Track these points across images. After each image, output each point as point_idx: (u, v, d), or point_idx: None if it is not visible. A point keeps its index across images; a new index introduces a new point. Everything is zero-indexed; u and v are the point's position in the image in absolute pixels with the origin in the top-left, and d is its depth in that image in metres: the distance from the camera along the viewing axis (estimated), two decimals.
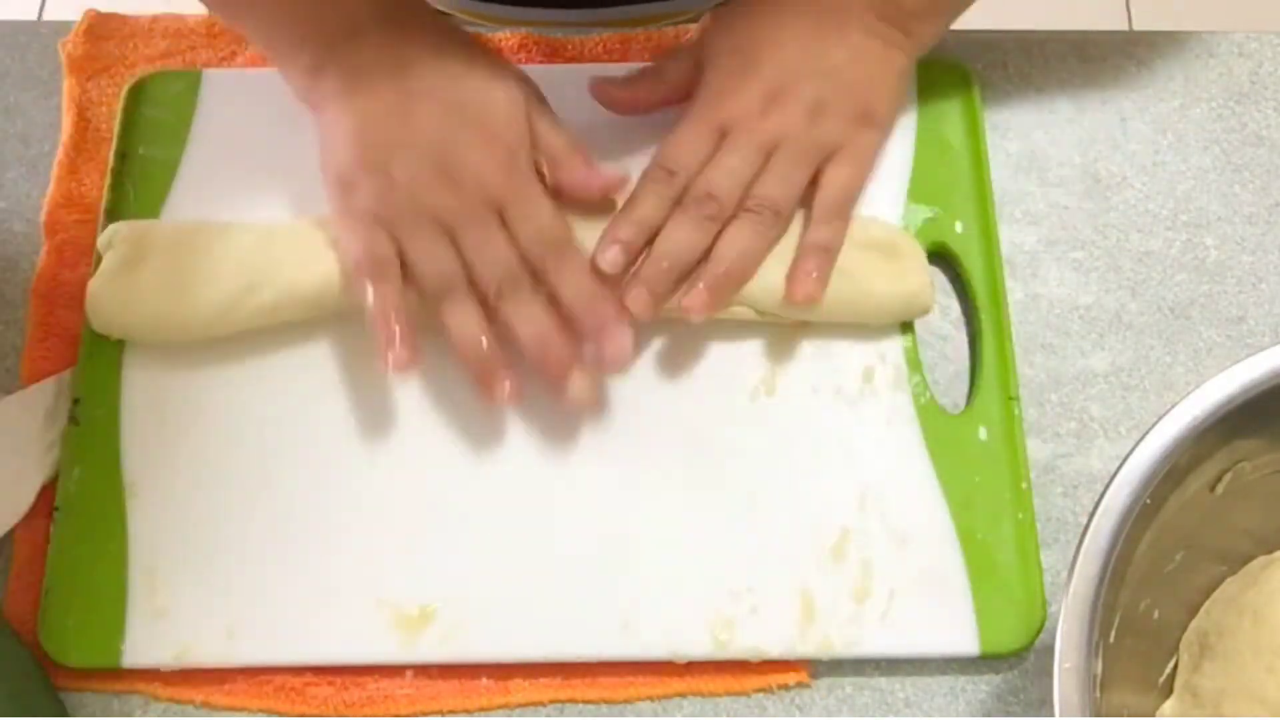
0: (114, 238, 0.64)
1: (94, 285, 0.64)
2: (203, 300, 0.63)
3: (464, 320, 0.62)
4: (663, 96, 0.68)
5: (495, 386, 0.62)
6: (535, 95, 0.65)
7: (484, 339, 0.62)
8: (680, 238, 0.63)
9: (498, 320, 0.62)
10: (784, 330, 0.66)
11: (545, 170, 0.65)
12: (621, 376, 0.65)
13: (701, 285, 0.62)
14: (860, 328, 0.66)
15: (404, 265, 0.62)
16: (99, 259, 0.65)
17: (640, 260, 0.63)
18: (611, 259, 0.62)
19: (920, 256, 0.66)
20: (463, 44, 0.65)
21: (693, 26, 0.73)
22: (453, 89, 0.63)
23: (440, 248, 0.62)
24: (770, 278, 0.64)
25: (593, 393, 0.63)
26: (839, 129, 0.65)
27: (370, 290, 0.61)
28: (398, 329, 0.60)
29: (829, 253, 0.64)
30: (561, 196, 0.64)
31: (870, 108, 0.66)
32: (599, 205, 0.65)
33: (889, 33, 0.66)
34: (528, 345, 0.62)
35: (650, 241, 0.63)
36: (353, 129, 0.63)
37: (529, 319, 0.62)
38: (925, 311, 0.66)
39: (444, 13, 0.79)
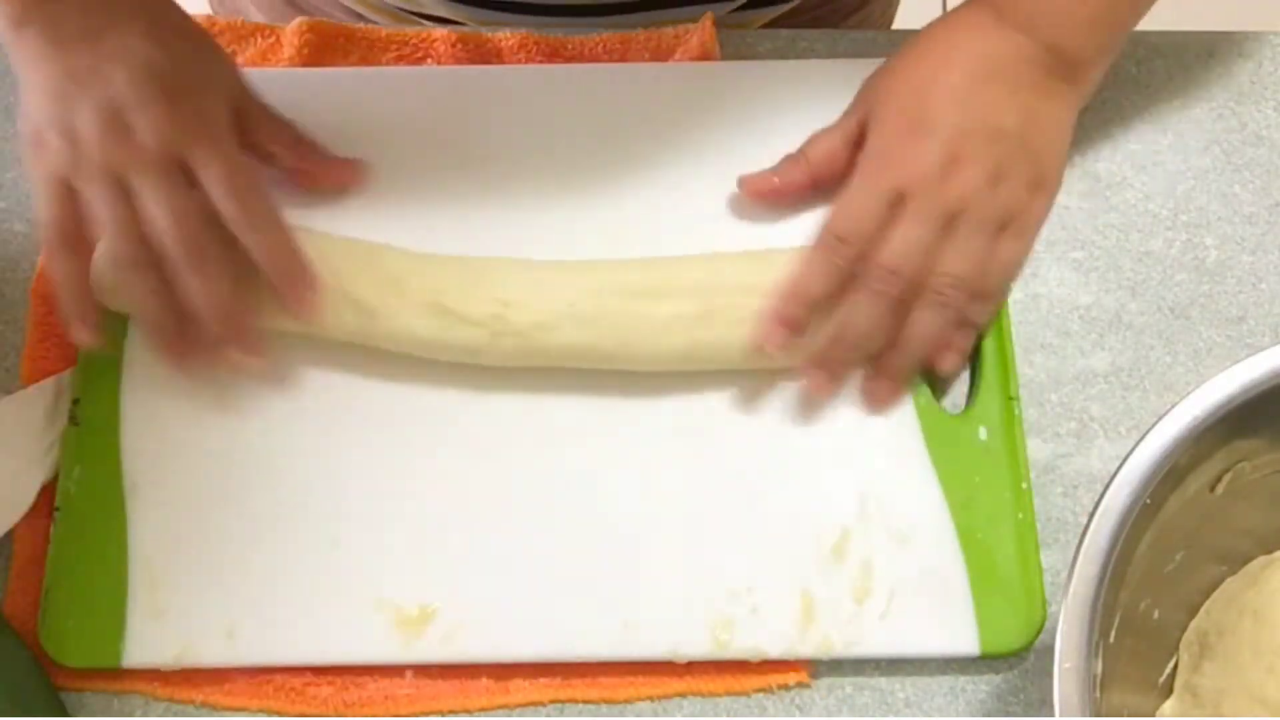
0: None
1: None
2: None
3: (142, 294, 0.61)
4: (813, 176, 0.65)
5: (183, 359, 0.62)
6: (249, 89, 0.64)
7: (164, 309, 0.61)
8: (864, 319, 0.61)
9: (174, 284, 0.61)
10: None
11: (279, 155, 0.64)
12: (621, 378, 0.65)
13: (886, 376, 0.62)
14: None
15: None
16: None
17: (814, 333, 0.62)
18: (780, 342, 0.61)
19: None
20: (182, 19, 0.63)
21: (693, 27, 0.73)
22: (152, 53, 0.60)
23: (119, 208, 0.59)
24: None
25: (264, 371, 0.62)
26: (1016, 197, 0.63)
27: (52, 261, 0.61)
28: (78, 307, 0.61)
29: (981, 328, 0.63)
30: (298, 183, 0.64)
31: (1043, 173, 0.64)
32: None
33: (1056, 87, 0.64)
34: (203, 316, 0.61)
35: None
36: (42, 84, 0.60)
37: (204, 288, 0.60)
38: None
39: (411, 14, 0.78)
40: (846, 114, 0.66)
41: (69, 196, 0.60)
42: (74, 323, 0.61)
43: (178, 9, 0.64)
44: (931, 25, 0.65)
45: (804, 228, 0.65)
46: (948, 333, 0.62)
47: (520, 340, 0.62)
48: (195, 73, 0.62)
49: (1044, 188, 0.64)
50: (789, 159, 0.66)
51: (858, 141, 0.64)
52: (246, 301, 0.61)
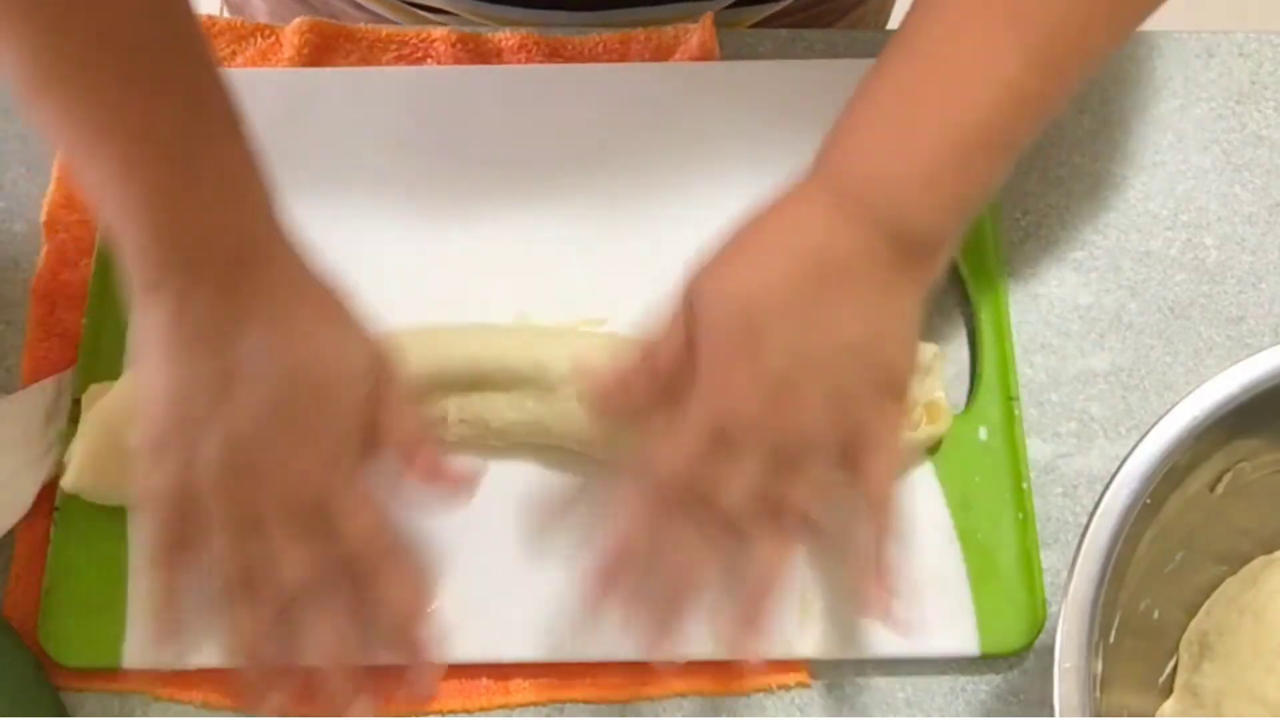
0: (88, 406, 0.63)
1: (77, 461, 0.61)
2: None
3: (247, 625, 0.56)
4: (661, 387, 0.56)
5: (261, 700, 0.56)
6: (385, 368, 0.57)
7: (265, 649, 0.56)
8: (683, 561, 0.55)
9: (288, 626, 0.56)
10: None
11: (395, 458, 0.57)
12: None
13: (735, 619, 0.56)
14: None
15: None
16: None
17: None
18: (592, 600, 0.56)
19: None
20: (316, 301, 0.56)
21: (693, 26, 0.73)
22: (287, 362, 0.54)
23: (240, 544, 0.55)
24: None
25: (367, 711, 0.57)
26: (863, 414, 0.55)
27: (159, 572, 0.55)
28: (171, 623, 0.56)
29: (898, 547, 0.56)
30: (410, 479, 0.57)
31: (893, 379, 0.55)
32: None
33: (900, 279, 0.54)
34: (315, 662, 0.56)
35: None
36: (167, 392, 0.53)
37: (324, 640, 0.56)
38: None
39: (413, 5, 0.77)
40: (677, 315, 0.56)
41: (184, 514, 0.54)
42: (162, 639, 0.56)
43: (317, 284, 0.56)
44: (762, 208, 0.55)
45: None
46: (790, 561, 0.56)
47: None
48: (330, 380, 0.55)
49: (895, 392, 0.56)
50: (631, 371, 0.57)
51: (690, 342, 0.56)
52: (358, 658, 0.57)
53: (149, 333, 0.53)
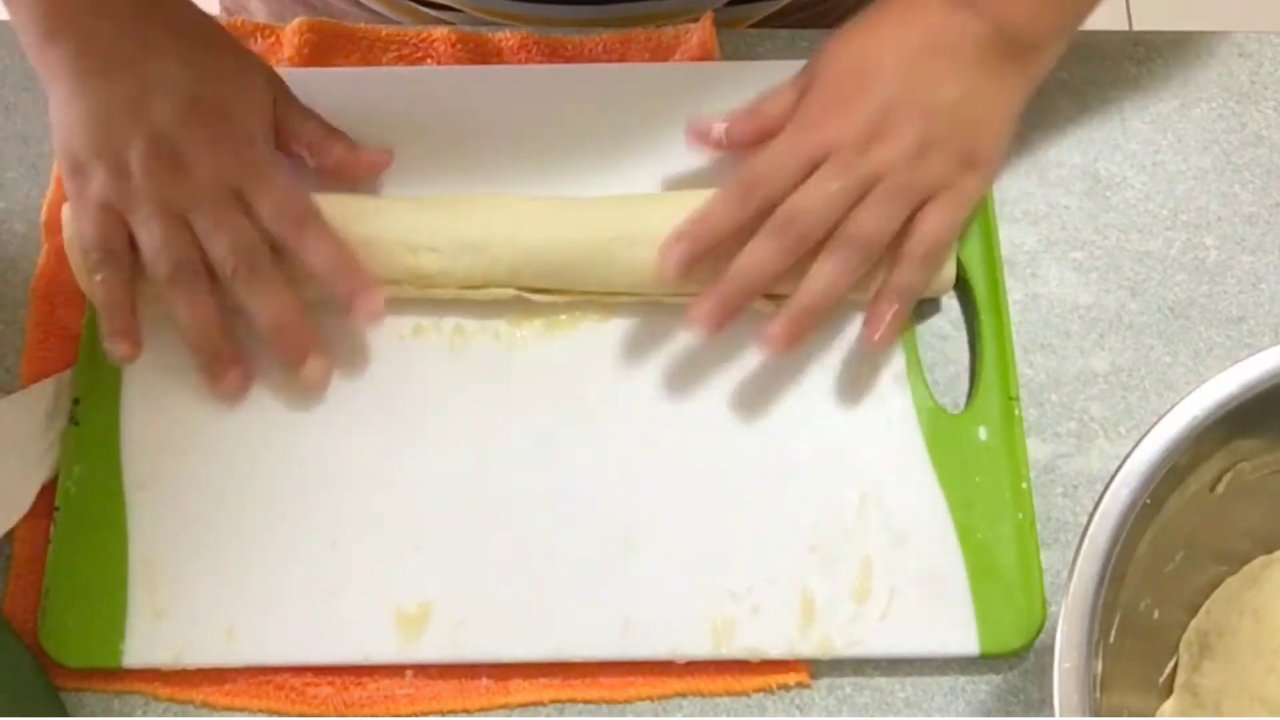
0: None
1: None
2: None
3: (191, 305, 0.62)
4: (760, 133, 0.64)
5: (222, 377, 0.63)
6: (282, 89, 0.65)
7: (211, 326, 0.62)
8: (761, 258, 0.61)
9: (235, 304, 0.62)
10: None
11: (307, 157, 0.65)
12: (622, 377, 0.65)
13: (783, 318, 0.61)
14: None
15: (138, 252, 0.62)
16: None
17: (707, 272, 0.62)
18: (677, 258, 0.61)
19: None
20: (211, 32, 0.64)
21: (693, 27, 0.73)
22: (192, 82, 0.62)
23: (173, 233, 0.61)
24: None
25: (326, 375, 0.64)
26: (942, 171, 0.62)
27: (99, 280, 0.62)
28: (120, 323, 0.62)
29: (911, 297, 0.63)
30: (329, 177, 0.65)
31: (976, 151, 0.63)
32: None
33: (1003, 68, 0.63)
34: (264, 329, 0.62)
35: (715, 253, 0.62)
36: (85, 113, 0.61)
37: (266, 303, 0.62)
38: (948, 286, 0.66)
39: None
40: (798, 75, 0.65)
41: (117, 220, 0.61)
42: (118, 338, 0.62)
43: (207, 20, 0.65)
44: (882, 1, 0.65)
45: None
46: (847, 283, 0.62)
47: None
48: (234, 94, 0.63)
49: (976, 166, 0.63)
50: (741, 113, 0.65)
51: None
52: (304, 313, 0.63)
53: (54, 71, 0.61)
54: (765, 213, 0.61)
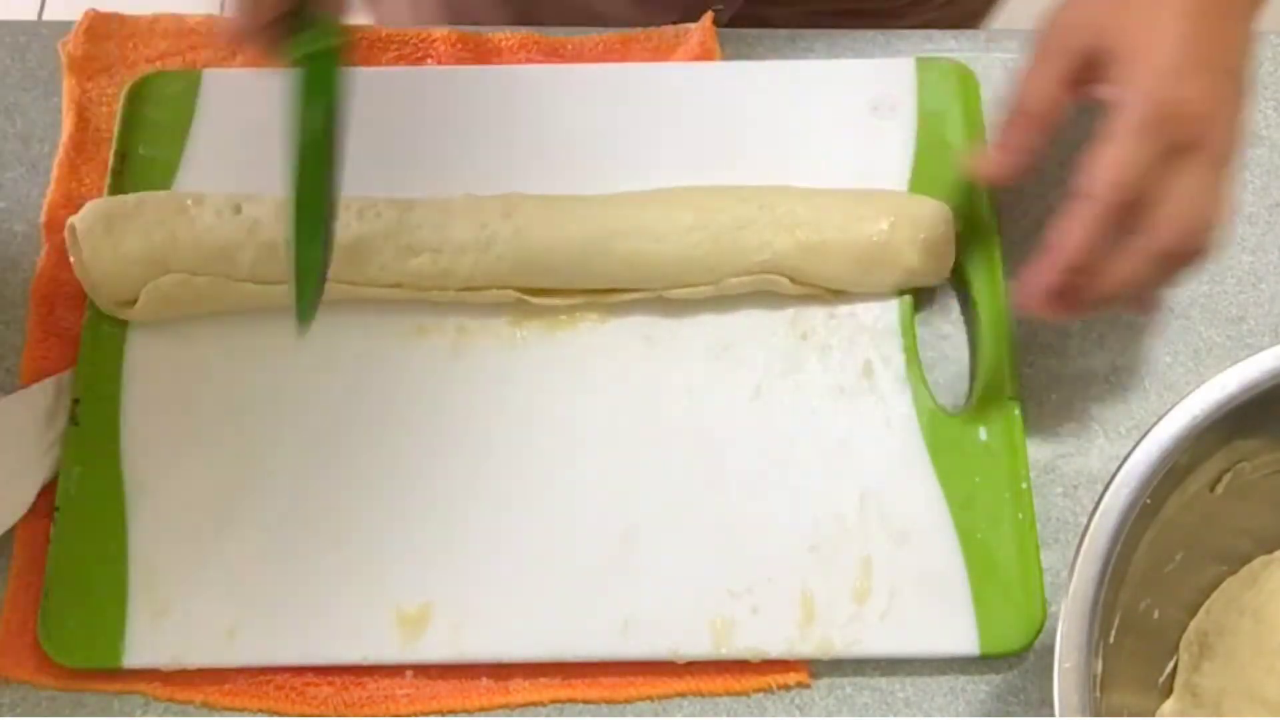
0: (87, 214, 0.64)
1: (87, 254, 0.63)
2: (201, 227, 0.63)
3: None
4: (1042, 128, 0.60)
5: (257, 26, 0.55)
6: None
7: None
8: (1127, 274, 0.57)
9: None
10: (785, 330, 0.66)
11: None
12: (621, 377, 0.65)
13: (1075, 296, 0.58)
14: (862, 326, 0.66)
15: None
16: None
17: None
18: (1048, 311, 0.58)
19: (945, 217, 0.66)
20: None
21: (693, 27, 0.73)
22: None
23: None
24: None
25: None
26: (1241, 140, 0.57)
27: None
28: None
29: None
30: None
31: (1248, 114, 0.58)
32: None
33: (1250, 11, 0.58)
34: None
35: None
36: None
37: None
38: (944, 275, 0.66)
39: None
40: (1047, 50, 0.59)
41: None
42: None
43: None
44: None
45: None
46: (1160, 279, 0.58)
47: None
48: None
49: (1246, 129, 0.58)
50: (1004, 123, 0.60)
51: (1076, 79, 0.58)
52: None
53: None
54: (1125, 216, 0.56)
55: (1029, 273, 0.58)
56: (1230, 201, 0.57)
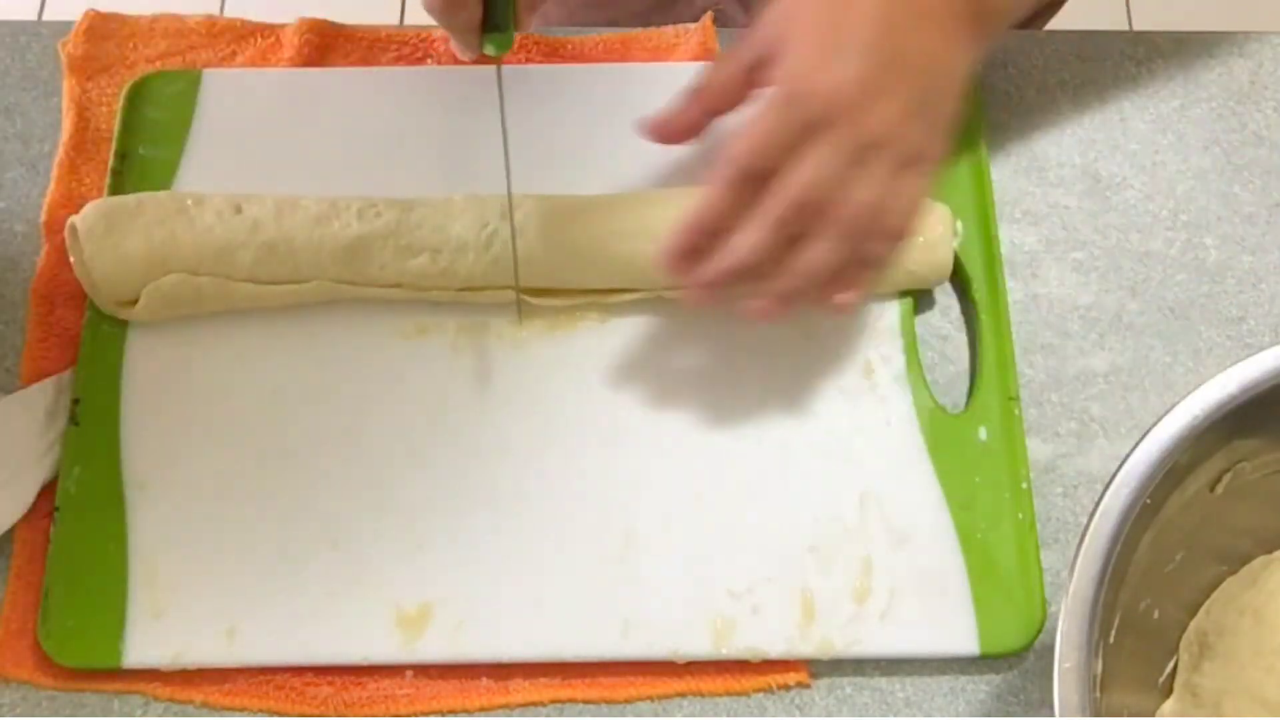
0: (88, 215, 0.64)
1: (89, 252, 0.63)
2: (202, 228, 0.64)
3: None
4: (711, 110, 0.63)
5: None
6: None
7: None
8: (756, 244, 0.58)
9: None
10: (785, 329, 0.66)
11: None
12: (621, 377, 0.65)
13: (772, 297, 0.60)
14: (862, 326, 0.66)
15: None
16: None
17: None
18: (675, 270, 0.60)
19: (945, 218, 0.66)
20: None
21: (693, 27, 0.73)
22: None
23: None
24: None
25: None
26: (925, 136, 0.60)
27: None
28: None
29: (880, 269, 0.61)
30: None
31: (945, 115, 0.61)
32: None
33: (961, 30, 0.61)
34: None
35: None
36: None
37: None
38: (945, 275, 0.66)
39: None
40: (745, 40, 0.62)
41: None
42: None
43: None
44: None
45: None
46: (842, 267, 0.59)
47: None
48: None
49: (944, 131, 0.61)
50: (685, 95, 0.64)
51: (755, 67, 0.61)
52: None
53: None
54: (760, 188, 0.58)
55: (669, 239, 0.60)
56: (918, 203, 0.60)
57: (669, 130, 0.64)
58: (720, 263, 0.59)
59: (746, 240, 0.59)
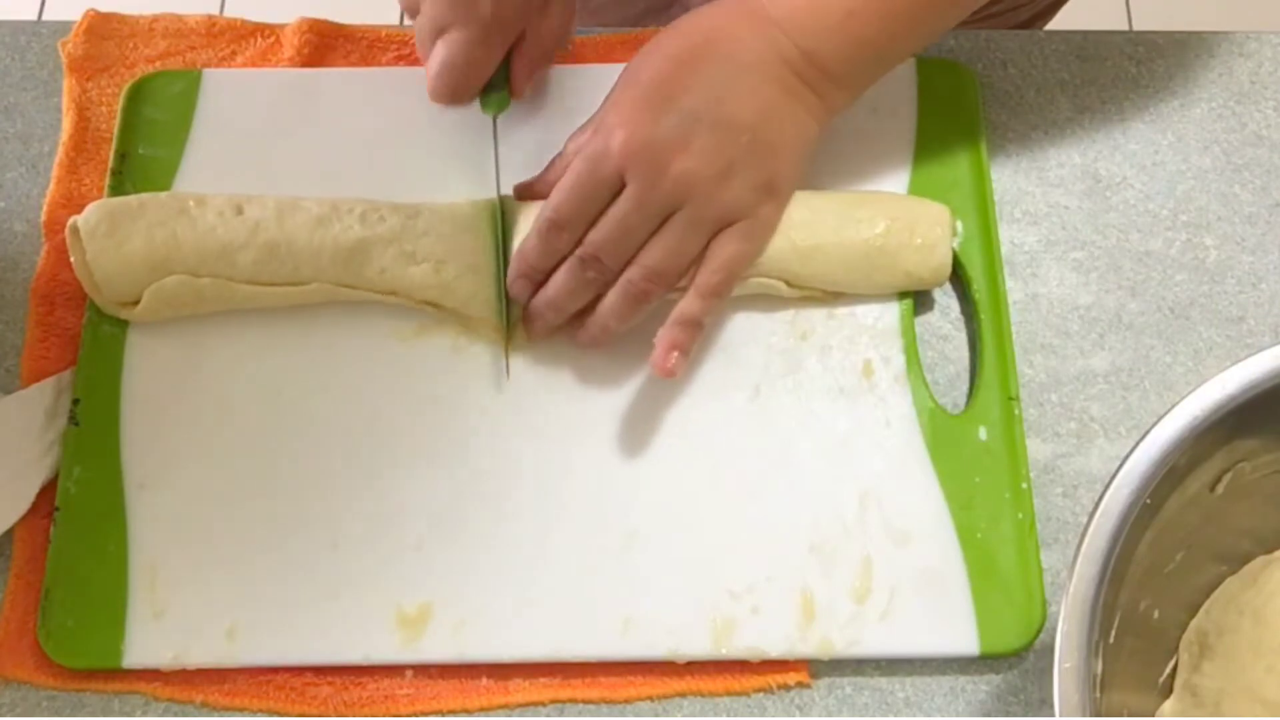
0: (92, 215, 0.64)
1: (91, 252, 0.63)
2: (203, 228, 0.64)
3: None
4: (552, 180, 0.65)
5: None
6: None
7: None
8: (563, 290, 0.63)
9: None
10: (784, 330, 0.66)
11: None
12: (622, 377, 0.65)
13: (577, 337, 0.64)
14: (862, 326, 0.66)
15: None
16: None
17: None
18: (512, 286, 0.64)
19: (943, 220, 0.66)
20: None
21: None
22: None
23: None
24: (807, 249, 0.64)
25: None
26: (740, 198, 0.61)
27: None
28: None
29: (698, 329, 0.62)
30: None
31: (775, 178, 0.62)
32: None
33: (805, 95, 0.62)
34: None
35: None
36: None
37: None
38: (943, 279, 0.66)
39: None
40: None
41: None
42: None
43: None
44: (698, 9, 0.64)
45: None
46: (636, 312, 0.63)
47: None
48: None
49: (775, 193, 0.63)
50: (553, 161, 0.66)
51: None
52: None
53: None
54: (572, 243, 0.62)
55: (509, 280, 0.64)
56: (733, 261, 0.62)
57: (535, 196, 0.66)
58: (539, 296, 0.63)
59: (555, 280, 0.63)
